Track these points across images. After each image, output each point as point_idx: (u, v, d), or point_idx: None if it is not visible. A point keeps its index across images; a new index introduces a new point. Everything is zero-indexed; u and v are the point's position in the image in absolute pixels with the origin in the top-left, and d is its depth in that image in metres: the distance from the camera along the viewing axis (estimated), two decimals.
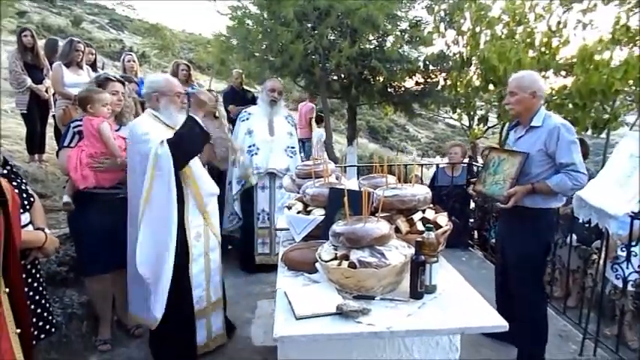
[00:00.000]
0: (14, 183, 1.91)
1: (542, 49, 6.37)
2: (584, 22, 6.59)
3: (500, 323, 1.61)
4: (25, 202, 1.98)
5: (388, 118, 20.58)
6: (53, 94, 5.16)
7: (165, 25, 24.64)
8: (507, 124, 4.39)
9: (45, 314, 2.09)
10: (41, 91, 5.15)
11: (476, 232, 5.55)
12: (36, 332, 2.01)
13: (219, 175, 4.19)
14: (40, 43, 5.49)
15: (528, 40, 6.67)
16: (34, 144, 5.24)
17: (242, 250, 4.53)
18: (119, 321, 3.18)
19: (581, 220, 2.92)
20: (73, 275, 3.13)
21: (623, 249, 2.87)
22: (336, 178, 2.73)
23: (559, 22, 6.58)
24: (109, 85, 2.95)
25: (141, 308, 2.62)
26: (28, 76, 5.08)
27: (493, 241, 4.73)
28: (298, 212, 2.38)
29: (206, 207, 2.75)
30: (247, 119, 4.32)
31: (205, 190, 2.72)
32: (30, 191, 2.07)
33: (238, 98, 6.37)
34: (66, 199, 2.85)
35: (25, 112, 5.19)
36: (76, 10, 26.02)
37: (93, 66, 5.29)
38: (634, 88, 5.89)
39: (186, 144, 2.49)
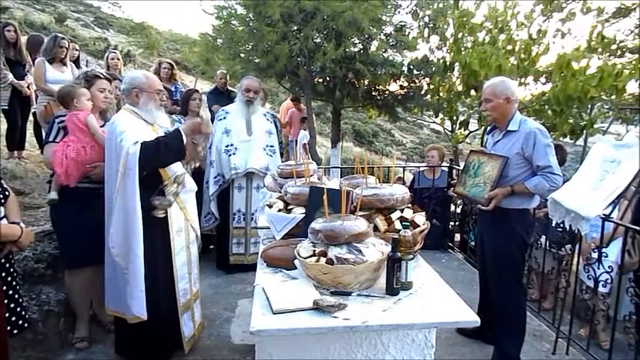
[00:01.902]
0: None
1: (523, 55, 6.52)
2: (563, 31, 6.78)
3: (473, 319, 1.65)
4: (0, 196, 1.97)
5: (374, 122, 20.75)
6: (35, 91, 5.09)
7: (152, 24, 24.44)
8: (487, 128, 4.49)
9: (18, 309, 2.08)
10: (23, 87, 5.07)
11: (456, 234, 5.64)
12: (9, 327, 1.99)
13: (199, 174, 4.18)
14: (23, 39, 5.41)
15: (509, 47, 6.83)
16: (14, 140, 5.15)
17: (218, 250, 4.51)
18: (95, 316, 3.16)
19: (555, 223, 3.00)
20: (51, 272, 3.09)
21: (596, 250, 2.97)
22: (318, 178, 2.77)
23: (539, 31, 6.75)
24: (97, 81, 2.95)
25: (120, 304, 2.61)
26: (10, 72, 5.00)
27: (472, 243, 4.82)
28: (279, 210, 2.41)
29: (185, 202, 2.79)
30: (224, 118, 4.26)
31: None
32: (4, 185, 2.06)
33: (222, 98, 6.36)
34: (53, 195, 2.82)
35: (5, 107, 5.11)
36: (61, 8, 25.58)
37: (76, 63, 5.24)
38: (610, 96, 6.07)
39: (160, 153, 2.52)
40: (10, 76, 4.98)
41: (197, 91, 5.03)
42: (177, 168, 2.72)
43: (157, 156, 2.50)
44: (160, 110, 2.71)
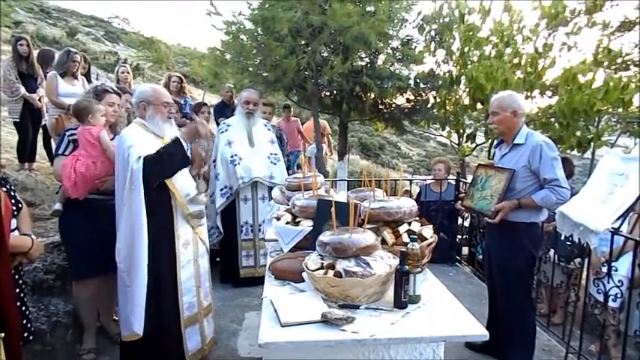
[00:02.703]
0: (4, 189, 1.94)
1: (529, 69, 6.53)
2: (569, 45, 6.80)
3: (482, 332, 1.65)
4: (14, 208, 2.00)
5: (380, 135, 20.80)
6: (46, 103, 5.17)
7: (161, 38, 24.81)
8: (494, 142, 4.50)
9: (24, 321, 2.10)
10: (34, 99, 5.16)
11: (464, 247, 5.61)
12: None
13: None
14: (35, 53, 5.52)
15: (516, 60, 6.85)
16: (25, 152, 5.23)
17: (223, 264, 4.48)
18: (102, 328, 3.17)
19: (563, 237, 2.99)
20: (60, 284, 3.12)
21: (605, 264, 2.94)
22: (325, 191, 2.78)
23: (545, 44, 6.77)
24: (106, 96, 3.01)
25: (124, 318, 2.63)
26: (22, 85, 5.10)
27: (480, 256, 4.79)
28: (287, 223, 2.42)
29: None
30: (226, 130, 4.27)
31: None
32: (18, 197, 2.10)
33: (228, 112, 6.43)
34: (57, 206, 2.87)
35: (17, 120, 5.19)
36: (72, 22, 26.14)
37: (86, 76, 5.33)
38: (616, 108, 6.05)
39: (163, 165, 2.54)
40: (22, 89, 5.08)
41: (205, 104, 5.10)
42: (190, 189, 2.74)
43: (161, 167, 2.53)
44: (168, 123, 2.73)
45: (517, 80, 6.38)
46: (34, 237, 2.05)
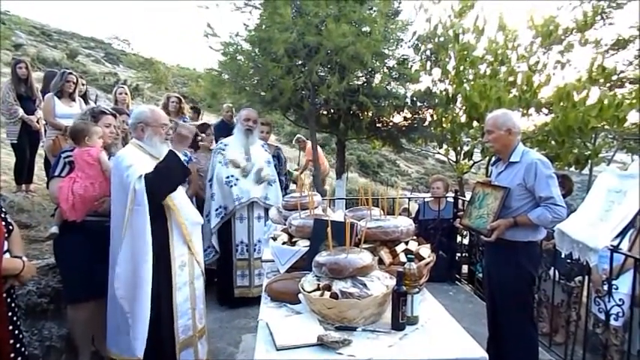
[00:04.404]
0: None
1: (524, 87, 6.60)
2: (563, 62, 6.89)
3: (481, 355, 1.61)
4: (5, 230, 1.98)
5: (379, 153, 20.88)
6: (44, 125, 5.19)
7: (160, 59, 25.10)
8: (492, 159, 4.51)
9: (17, 345, 2.05)
10: (33, 121, 5.18)
11: (463, 266, 5.56)
12: None
13: (199, 207, 4.17)
14: (35, 75, 5.56)
15: (511, 78, 6.93)
16: (22, 174, 5.22)
17: (220, 284, 4.43)
18: (97, 352, 3.11)
19: (563, 255, 2.96)
20: (54, 307, 3.07)
21: (606, 282, 2.91)
22: (322, 210, 2.77)
23: (538, 62, 6.86)
24: (102, 117, 3.02)
25: (119, 343, 2.57)
26: (21, 107, 5.12)
27: (480, 275, 4.75)
28: (283, 243, 2.40)
29: (191, 236, 2.77)
30: (223, 150, 4.26)
31: (190, 220, 2.74)
32: (9, 219, 2.08)
33: (229, 131, 6.45)
34: (54, 229, 2.84)
35: (15, 142, 5.20)
36: (72, 44, 26.44)
37: (84, 97, 5.36)
38: (612, 125, 6.09)
39: (164, 179, 2.52)
40: (21, 111, 5.10)
41: (209, 125, 5.11)
42: (196, 217, 2.72)
43: (162, 182, 2.51)
44: (166, 144, 2.72)
45: (511, 98, 6.45)
46: (25, 259, 2.03)
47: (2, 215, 2.02)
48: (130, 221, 2.43)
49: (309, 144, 8.76)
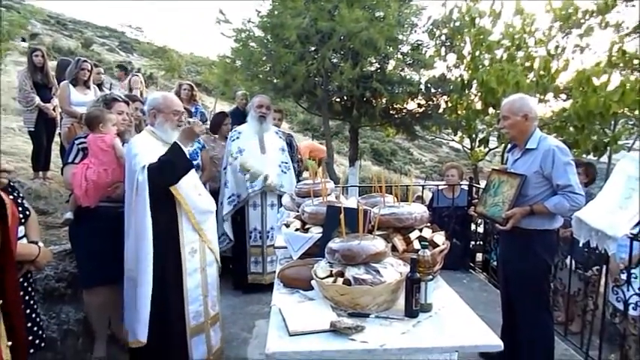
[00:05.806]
0: (11, 196, 1.94)
1: (542, 72, 6.44)
2: (582, 47, 6.70)
3: (496, 343, 1.59)
4: (21, 216, 2.01)
5: (392, 141, 20.71)
6: (60, 112, 5.25)
7: (173, 47, 25.10)
8: (507, 146, 4.42)
9: (35, 328, 2.09)
10: (49, 109, 5.25)
11: (478, 254, 5.51)
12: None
13: (214, 195, 4.18)
14: (51, 64, 5.61)
15: (528, 63, 6.76)
16: (39, 161, 5.30)
17: (235, 270, 4.48)
18: (113, 336, 3.16)
19: (581, 244, 2.91)
20: (71, 291, 3.13)
21: (624, 271, 2.86)
22: (335, 197, 2.75)
23: (557, 47, 6.68)
24: (115, 104, 3.04)
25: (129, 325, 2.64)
26: (37, 95, 5.18)
27: (495, 263, 4.70)
28: (296, 230, 2.39)
29: (201, 224, 2.76)
30: (238, 138, 4.25)
31: (198, 208, 2.73)
32: (26, 205, 2.11)
33: (243, 118, 6.45)
34: (69, 215, 2.88)
35: (32, 129, 5.28)
36: (87, 33, 26.63)
37: (99, 87, 5.40)
38: (633, 111, 5.93)
39: (167, 171, 2.54)
40: (37, 99, 5.16)
41: (227, 115, 5.12)
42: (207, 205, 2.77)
43: (163, 175, 2.53)
44: (177, 131, 2.72)
45: (529, 83, 6.30)
46: (41, 244, 2.05)
47: (19, 201, 2.04)
48: (135, 207, 2.48)
49: (303, 142, 8.80)
